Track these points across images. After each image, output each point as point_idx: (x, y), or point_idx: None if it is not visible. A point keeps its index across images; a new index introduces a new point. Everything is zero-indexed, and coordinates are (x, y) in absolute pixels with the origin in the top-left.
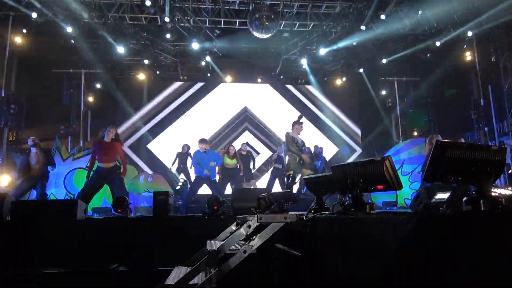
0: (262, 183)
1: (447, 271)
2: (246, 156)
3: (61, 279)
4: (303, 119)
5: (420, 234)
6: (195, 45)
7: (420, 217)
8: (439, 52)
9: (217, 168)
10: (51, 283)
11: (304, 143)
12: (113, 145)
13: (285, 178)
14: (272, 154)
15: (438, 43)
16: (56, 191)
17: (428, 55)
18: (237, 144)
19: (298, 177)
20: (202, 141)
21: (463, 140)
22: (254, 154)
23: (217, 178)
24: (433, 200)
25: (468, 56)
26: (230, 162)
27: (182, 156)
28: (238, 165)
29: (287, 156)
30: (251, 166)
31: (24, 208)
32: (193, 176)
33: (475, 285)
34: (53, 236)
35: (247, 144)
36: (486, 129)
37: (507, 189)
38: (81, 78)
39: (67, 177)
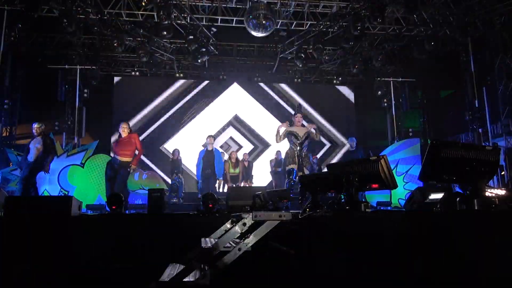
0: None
1: (442, 267)
2: (248, 167)
3: (54, 275)
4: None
5: (414, 232)
6: (192, 43)
7: (414, 215)
8: (435, 54)
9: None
10: (44, 280)
11: (306, 137)
12: (130, 138)
13: (286, 174)
14: (272, 160)
15: (434, 43)
16: (50, 188)
17: (424, 56)
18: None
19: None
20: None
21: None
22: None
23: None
24: (427, 200)
25: (463, 57)
26: (233, 171)
27: (175, 162)
28: (240, 174)
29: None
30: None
31: (17, 204)
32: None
33: (469, 281)
34: (46, 233)
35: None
36: (480, 130)
37: (501, 189)
38: (76, 74)
39: (61, 174)
